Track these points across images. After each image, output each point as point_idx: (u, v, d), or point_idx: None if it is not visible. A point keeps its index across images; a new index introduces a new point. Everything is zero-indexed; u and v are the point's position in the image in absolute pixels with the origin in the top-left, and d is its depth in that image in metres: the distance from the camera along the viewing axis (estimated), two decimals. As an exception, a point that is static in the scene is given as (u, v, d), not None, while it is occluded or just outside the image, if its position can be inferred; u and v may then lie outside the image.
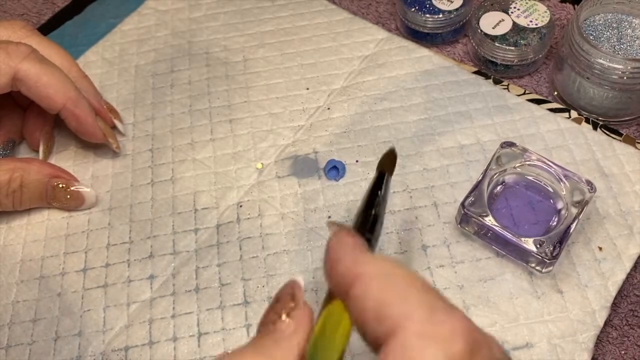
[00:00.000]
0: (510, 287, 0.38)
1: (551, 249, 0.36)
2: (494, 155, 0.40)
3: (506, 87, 0.48)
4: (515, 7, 0.50)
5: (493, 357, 0.20)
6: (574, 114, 0.46)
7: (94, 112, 0.43)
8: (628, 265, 0.38)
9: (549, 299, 0.37)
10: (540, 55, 0.49)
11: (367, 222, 0.28)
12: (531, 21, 0.49)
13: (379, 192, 0.30)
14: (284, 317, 0.23)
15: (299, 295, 0.24)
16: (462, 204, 0.38)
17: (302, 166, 0.44)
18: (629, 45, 0.45)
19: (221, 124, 0.47)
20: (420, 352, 0.19)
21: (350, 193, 0.42)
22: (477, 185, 0.39)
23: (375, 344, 0.21)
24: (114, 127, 0.46)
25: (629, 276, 0.39)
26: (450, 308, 0.20)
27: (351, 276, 0.22)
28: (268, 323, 0.23)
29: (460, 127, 0.45)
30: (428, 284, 0.22)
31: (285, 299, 0.24)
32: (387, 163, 0.33)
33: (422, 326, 0.19)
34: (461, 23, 0.51)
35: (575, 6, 0.54)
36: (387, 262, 0.22)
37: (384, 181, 0.31)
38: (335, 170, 0.43)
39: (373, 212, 0.29)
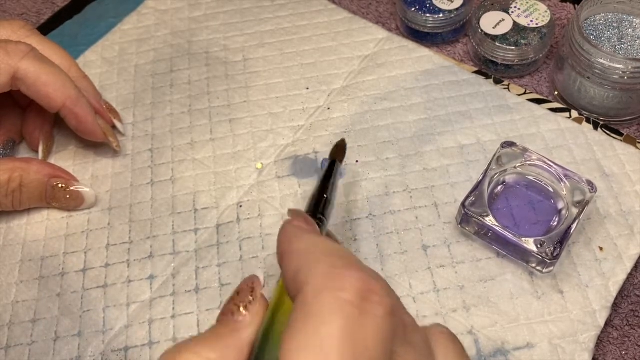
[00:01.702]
0: (511, 288, 0.38)
1: (552, 249, 0.36)
2: (494, 155, 0.40)
3: (507, 87, 0.48)
4: (515, 7, 0.49)
5: (386, 301, 0.21)
6: (574, 113, 0.46)
7: (93, 111, 0.43)
8: (629, 265, 0.38)
9: (549, 299, 0.37)
10: (541, 55, 0.49)
11: (320, 204, 0.33)
12: (532, 21, 0.49)
13: (330, 178, 0.35)
14: (242, 309, 0.24)
15: (257, 290, 0.25)
16: (463, 204, 0.38)
17: (302, 166, 0.44)
18: (630, 45, 0.45)
19: (221, 123, 0.47)
20: (315, 303, 0.20)
21: (351, 193, 0.42)
22: (478, 185, 0.39)
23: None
24: (113, 127, 0.46)
25: (630, 276, 0.39)
26: (349, 265, 0.22)
27: (282, 254, 0.25)
28: (227, 313, 0.25)
29: (461, 127, 0.45)
30: (336, 247, 0.24)
31: (244, 292, 0.25)
32: (338, 152, 0.38)
33: (319, 281, 0.21)
34: (461, 23, 0.51)
35: (576, 6, 0.54)
36: (318, 239, 0.25)
37: (335, 168, 0.36)
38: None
39: (325, 196, 0.33)
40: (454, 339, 0.25)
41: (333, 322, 0.20)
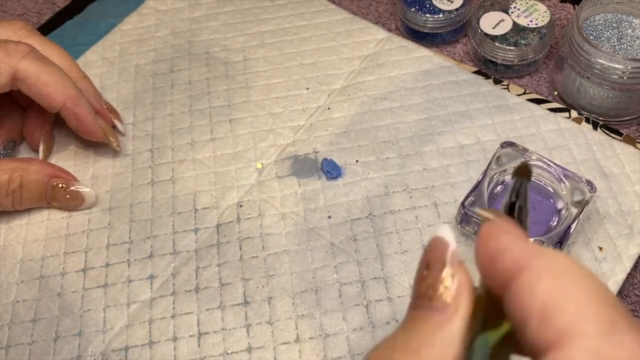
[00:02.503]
0: (511, 287, 0.38)
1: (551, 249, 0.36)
2: (494, 155, 0.40)
3: (506, 87, 0.48)
4: (515, 7, 0.50)
5: None
6: (574, 113, 0.46)
7: (93, 110, 0.43)
8: (628, 265, 0.38)
9: (549, 299, 0.37)
10: (541, 55, 0.49)
11: (516, 212, 0.25)
12: (531, 21, 0.49)
13: (520, 188, 0.27)
14: (439, 292, 0.19)
15: (451, 259, 0.19)
16: (463, 204, 0.38)
17: (302, 166, 0.44)
18: (629, 45, 0.45)
19: (221, 123, 0.47)
20: None
21: (351, 193, 0.42)
22: (478, 185, 0.39)
23: (533, 350, 0.18)
24: (114, 127, 0.46)
25: (629, 276, 0.39)
26: (635, 330, 0.17)
27: (518, 267, 0.18)
28: (423, 297, 0.20)
29: (461, 127, 0.45)
30: (612, 295, 0.18)
31: (437, 266, 0.20)
32: (524, 172, 0.29)
33: (597, 344, 0.16)
34: (461, 23, 0.51)
35: (576, 6, 0.54)
36: (565, 258, 0.18)
37: (522, 184, 0.28)
38: (329, 167, 0.43)
39: (519, 202, 0.26)
40: None
41: None
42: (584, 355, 0.16)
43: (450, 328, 0.19)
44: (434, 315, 0.19)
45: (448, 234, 0.20)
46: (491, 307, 0.19)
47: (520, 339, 0.18)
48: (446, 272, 0.19)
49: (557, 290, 0.17)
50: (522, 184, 0.27)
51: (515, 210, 0.25)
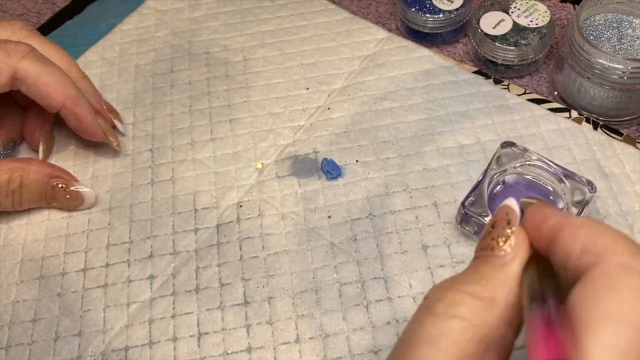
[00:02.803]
0: (511, 287, 0.38)
1: (551, 249, 0.36)
2: (494, 155, 0.40)
3: (506, 87, 0.48)
4: (515, 7, 0.50)
5: None
6: (574, 113, 0.46)
7: (93, 110, 0.43)
8: (628, 265, 0.38)
9: (549, 299, 0.37)
10: (541, 55, 0.49)
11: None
12: (531, 21, 0.49)
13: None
14: (501, 243, 0.24)
15: (514, 221, 0.24)
16: (463, 204, 0.38)
17: (302, 166, 0.44)
18: (630, 45, 0.45)
19: (221, 123, 0.47)
20: (620, 280, 0.20)
21: (351, 193, 0.42)
22: (478, 185, 0.39)
23: (575, 277, 0.22)
24: (113, 127, 0.46)
25: (630, 276, 0.39)
26: None
27: (560, 225, 0.23)
28: (487, 249, 0.24)
29: (461, 127, 0.45)
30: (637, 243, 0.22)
31: (501, 224, 0.24)
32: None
33: (627, 258, 0.20)
34: (461, 23, 0.51)
35: (576, 6, 0.54)
36: (595, 221, 0.23)
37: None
38: (329, 167, 0.43)
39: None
40: None
41: None
42: (616, 268, 0.20)
43: (509, 269, 0.23)
44: (495, 259, 0.23)
45: (514, 204, 0.25)
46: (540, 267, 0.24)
47: (564, 278, 0.22)
48: (510, 229, 0.24)
49: (593, 234, 0.22)
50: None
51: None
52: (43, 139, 0.45)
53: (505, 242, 0.24)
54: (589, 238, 0.22)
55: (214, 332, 0.37)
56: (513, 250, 0.23)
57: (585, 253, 0.22)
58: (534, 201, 0.26)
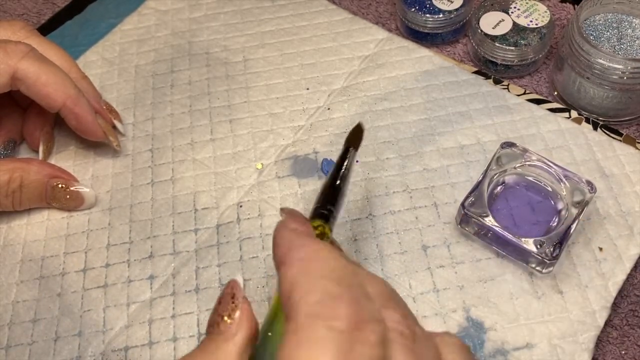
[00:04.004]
0: (511, 288, 0.38)
1: (551, 249, 0.36)
2: (494, 155, 0.40)
3: (506, 87, 0.48)
4: (515, 7, 0.50)
5: (377, 330, 0.21)
6: (574, 114, 0.46)
7: (93, 110, 0.43)
8: (628, 265, 0.38)
9: (549, 300, 0.37)
10: (541, 55, 0.49)
11: (330, 194, 0.31)
12: (531, 21, 0.49)
13: (344, 165, 0.32)
14: (225, 318, 0.24)
15: (238, 295, 0.25)
16: (462, 205, 0.38)
17: (302, 166, 0.44)
18: (629, 45, 0.45)
19: (221, 124, 0.47)
20: (308, 330, 0.21)
21: (351, 193, 0.42)
22: (477, 186, 0.39)
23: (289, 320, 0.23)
24: (114, 128, 0.46)
25: (629, 276, 0.39)
26: (343, 293, 0.22)
27: (281, 260, 0.25)
28: (213, 324, 0.25)
29: (461, 127, 0.45)
30: (344, 271, 0.23)
31: (226, 300, 0.25)
32: (354, 138, 0.34)
33: (313, 308, 0.21)
34: (461, 23, 0.51)
35: (576, 6, 0.54)
36: (318, 249, 0.24)
37: (349, 155, 0.33)
38: (329, 168, 0.43)
39: (338, 182, 0.32)
40: (463, 347, 0.24)
41: (326, 351, 0.20)
42: (302, 317, 0.21)
43: (231, 344, 0.24)
44: (218, 337, 0.24)
45: (240, 279, 0.26)
46: None
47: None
48: (234, 303, 0.25)
49: (297, 276, 0.23)
50: (351, 157, 0.33)
51: (332, 194, 0.31)
52: (43, 139, 0.45)
53: (229, 316, 0.24)
54: (294, 281, 0.23)
55: (214, 332, 0.37)
56: (235, 325, 0.24)
57: (288, 300, 0.22)
58: (282, 214, 0.27)
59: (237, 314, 0.25)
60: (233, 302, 0.25)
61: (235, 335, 0.24)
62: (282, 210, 0.28)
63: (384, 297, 0.24)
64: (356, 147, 0.34)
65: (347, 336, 0.21)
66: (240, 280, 0.26)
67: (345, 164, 0.32)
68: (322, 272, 0.23)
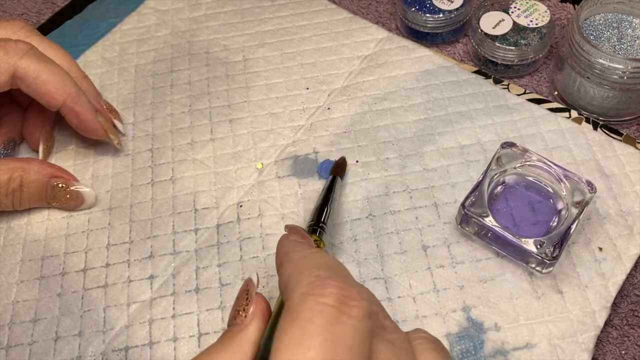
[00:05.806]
0: (511, 288, 0.38)
1: (551, 249, 0.36)
2: (494, 155, 0.40)
3: (506, 87, 0.48)
4: (515, 7, 0.50)
5: (363, 305, 0.24)
6: (574, 113, 0.46)
7: (94, 108, 0.43)
8: (628, 265, 0.38)
9: (549, 300, 0.37)
10: (541, 55, 0.49)
11: (323, 215, 0.38)
12: (531, 21, 0.49)
13: (332, 192, 0.40)
14: (240, 312, 0.27)
15: (251, 291, 0.28)
16: (463, 205, 0.38)
17: (302, 166, 0.44)
18: (629, 45, 0.45)
19: (221, 123, 0.47)
20: (300, 306, 0.23)
21: (351, 193, 0.42)
22: (478, 186, 0.39)
23: None
24: (114, 127, 0.46)
25: (629, 276, 0.39)
26: (332, 275, 0.24)
27: (280, 262, 0.28)
28: (232, 319, 0.27)
29: (461, 127, 0.45)
30: (335, 264, 0.26)
31: (242, 297, 0.28)
32: (339, 170, 0.42)
33: (305, 289, 0.24)
34: (461, 23, 0.51)
35: (576, 6, 0.54)
36: (311, 252, 0.27)
37: (335, 184, 0.41)
38: (327, 166, 0.43)
39: (327, 209, 0.39)
40: (435, 341, 0.26)
41: (315, 322, 0.22)
42: (296, 298, 0.24)
43: (245, 333, 0.26)
44: (234, 329, 0.27)
45: (254, 277, 0.29)
46: None
47: None
48: (249, 299, 0.28)
49: (293, 270, 0.25)
50: (335, 186, 0.41)
51: (324, 214, 0.39)
52: (43, 138, 0.45)
53: (244, 311, 0.27)
54: (290, 275, 0.25)
55: (214, 332, 0.37)
56: (249, 316, 0.27)
57: (285, 289, 0.25)
58: (285, 229, 0.31)
59: (252, 309, 0.27)
60: (247, 298, 0.28)
61: (249, 326, 0.27)
62: (286, 226, 0.31)
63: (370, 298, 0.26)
64: (342, 177, 0.42)
65: (335, 309, 0.23)
66: (254, 278, 0.29)
67: (333, 189, 0.40)
68: (314, 264, 0.26)
